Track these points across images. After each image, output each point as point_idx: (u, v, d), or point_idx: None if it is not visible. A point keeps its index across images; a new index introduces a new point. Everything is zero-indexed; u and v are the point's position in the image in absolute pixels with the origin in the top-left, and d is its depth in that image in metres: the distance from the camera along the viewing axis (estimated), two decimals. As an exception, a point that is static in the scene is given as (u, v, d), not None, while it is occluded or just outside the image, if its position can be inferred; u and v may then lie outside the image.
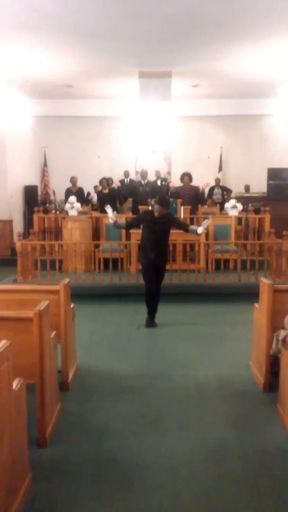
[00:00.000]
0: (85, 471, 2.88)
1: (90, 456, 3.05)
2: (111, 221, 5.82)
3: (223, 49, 8.52)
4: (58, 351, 3.69)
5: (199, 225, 9.31)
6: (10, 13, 6.72)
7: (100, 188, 10.77)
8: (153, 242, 5.70)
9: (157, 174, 10.41)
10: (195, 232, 5.75)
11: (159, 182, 10.10)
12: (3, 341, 2.36)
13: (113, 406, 3.77)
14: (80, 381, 4.26)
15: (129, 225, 6.37)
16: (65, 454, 3.08)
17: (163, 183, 9.96)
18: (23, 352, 3.09)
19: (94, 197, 11.86)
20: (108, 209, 5.85)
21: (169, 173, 10.68)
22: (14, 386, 2.48)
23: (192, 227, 5.93)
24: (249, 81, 10.74)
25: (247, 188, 12.69)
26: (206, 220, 5.80)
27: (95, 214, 9.82)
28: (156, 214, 5.61)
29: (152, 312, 5.93)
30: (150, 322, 5.90)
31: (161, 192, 6.46)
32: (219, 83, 11.11)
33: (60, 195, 11.00)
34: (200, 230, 5.68)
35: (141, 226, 5.99)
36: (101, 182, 10.43)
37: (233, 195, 11.87)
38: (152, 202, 5.79)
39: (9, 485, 2.35)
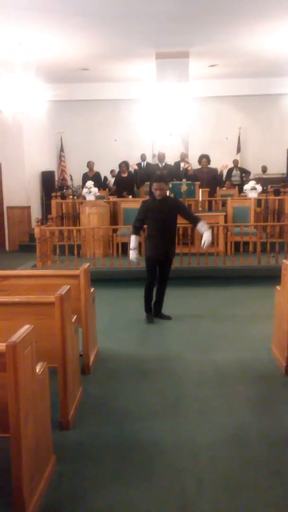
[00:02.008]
0: (107, 453, 2.91)
1: (113, 438, 3.08)
2: (133, 255, 5.39)
3: (240, 27, 8.32)
4: (79, 335, 3.71)
5: (217, 208, 9.27)
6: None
7: (116, 172, 10.72)
8: (160, 232, 5.23)
9: (182, 156, 10.29)
10: (200, 231, 5.32)
11: (183, 165, 10.01)
12: (26, 326, 2.37)
13: (134, 389, 3.79)
14: (101, 364, 4.29)
15: (140, 227, 5.50)
16: (87, 436, 3.11)
17: (187, 167, 9.87)
18: (45, 336, 3.12)
19: (111, 181, 11.83)
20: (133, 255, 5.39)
21: (186, 155, 10.56)
22: (37, 370, 2.50)
23: (202, 226, 5.28)
24: (267, 59, 10.50)
25: (264, 169, 12.50)
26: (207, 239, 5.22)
27: (113, 198, 9.79)
28: (157, 194, 5.11)
29: (156, 306, 5.62)
30: (151, 318, 5.55)
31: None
32: (237, 62, 10.88)
33: (77, 180, 11.00)
34: (205, 235, 5.22)
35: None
36: (120, 166, 10.38)
37: (252, 176, 11.71)
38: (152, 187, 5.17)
39: (34, 466, 2.39)
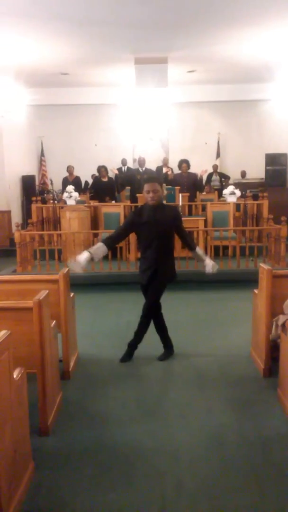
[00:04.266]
0: (87, 459, 2.90)
1: (92, 444, 3.07)
2: (84, 261, 4.03)
3: (219, 33, 8.42)
4: (58, 340, 3.70)
5: (197, 212, 9.32)
6: (2, 0, 6.63)
7: (97, 176, 10.71)
8: (153, 249, 4.17)
9: (165, 161, 10.37)
10: (201, 259, 4.34)
11: (164, 170, 10.08)
12: (3, 331, 2.36)
13: (114, 394, 3.79)
14: (81, 369, 4.28)
15: (115, 239, 4.29)
16: (67, 442, 3.10)
17: (168, 172, 9.96)
18: (23, 342, 3.10)
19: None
20: (81, 257, 4.06)
21: (166, 160, 10.64)
22: (15, 376, 2.49)
23: (201, 252, 4.39)
24: (245, 66, 10.64)
25: (243, 174, 12.65)
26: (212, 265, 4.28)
27: (93, 203, 9.79)
28: (151, 197, 4.06)
29: (134, 344, 4.46)
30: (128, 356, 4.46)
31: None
32: (215, 68, 11.01)
33: (57, 185, 10.96)
34: (208, 264, 4.26)
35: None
36: (100, 170, 10.38)
37: (231, 181, 11.84)
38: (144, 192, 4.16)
39: (12, 474, 2.37)
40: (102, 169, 10.27)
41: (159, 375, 4.15)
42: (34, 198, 10.00)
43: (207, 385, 3.92)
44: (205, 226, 8.37)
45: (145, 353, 4.68)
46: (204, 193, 10.39)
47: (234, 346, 4.80)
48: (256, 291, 4.34)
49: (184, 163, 9.84)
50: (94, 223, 9.08)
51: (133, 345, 4.47)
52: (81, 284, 6.68)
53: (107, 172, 10.32)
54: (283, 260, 7.43)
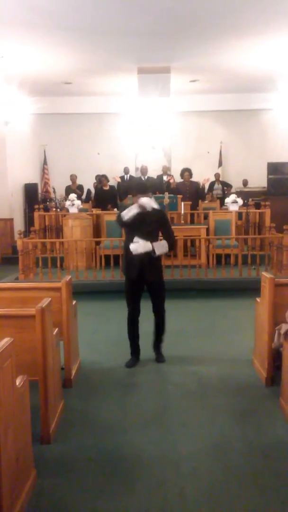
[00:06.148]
0: (89, 467, 2.89)
1: (94, 452, 3.06)
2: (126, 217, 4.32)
3: (221, 43, 8.50)
4: (60, 348, 3.71)
5: (200, 221, 9.36)
6: (7, 10, 6.71)
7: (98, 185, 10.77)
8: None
9: (164, 170, 10.42)
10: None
11: (165, 178, 10.11)
12: (6, 339, 2.37)
13: (116, 402, 3.78)
14: (83, 377, 4.27)
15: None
16: (68, 450, 3.09)
17: (169, 180, 10.01)
18: (26, 349, 3.11)
19: (95, 194, 11.88)
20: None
21: (169, 169, 10.69)
22: (17, 383, 2.49)
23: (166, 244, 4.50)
24: (248, 76, 10.72)
25: (245, 183, 12.68)
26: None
27: (96, 211, 9.82)
28: (143, 209, 4.33)
29: (135, 350, 4.68)
30: (131, 361, 4.59)
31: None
32: (218, 78, 11.08)
33: (60, 193, 11.00)
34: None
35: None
36: (101, 180, 10.44)
37: (233, 190, 11.86)
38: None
39: (14, 481, 2.36)
40: (102, 178, 10.33)
41: (161, 384, 4.14)
42: (36, 206, 10.04)
43: (209, 394, 3.91)
44: (207, 234, 8.39)
45: (147, 361, 4.69)
46: (206, 201, 10.42)
47: (236, 354, 4.79)
48: (258, 299, 4.34)
49: (186, 172, 9.89)
50: (97, 231, 9.10)
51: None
52: (83, 292, 6.69)
53: (108, 181, 10.37)
54: (285, 269, 7.42)
